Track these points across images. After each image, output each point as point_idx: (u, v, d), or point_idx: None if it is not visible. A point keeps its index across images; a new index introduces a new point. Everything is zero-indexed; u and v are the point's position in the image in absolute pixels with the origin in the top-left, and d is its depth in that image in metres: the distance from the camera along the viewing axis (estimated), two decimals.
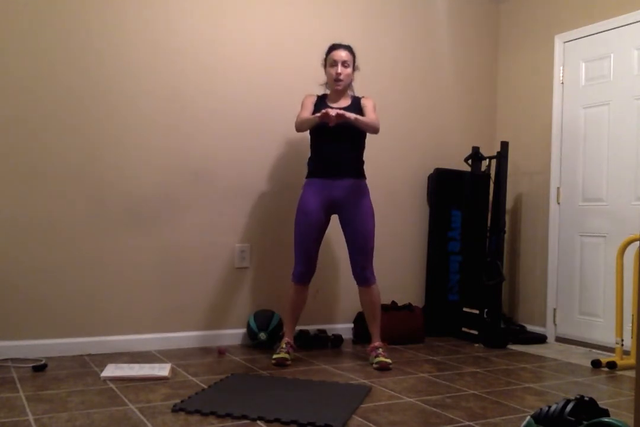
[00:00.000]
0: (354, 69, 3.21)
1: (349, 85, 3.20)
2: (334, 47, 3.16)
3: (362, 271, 3.10)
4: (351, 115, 2.89)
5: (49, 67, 3.05)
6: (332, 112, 2.83)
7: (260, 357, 3.16)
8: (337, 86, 3.12)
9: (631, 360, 3.19)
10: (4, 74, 2.96)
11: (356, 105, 3.15)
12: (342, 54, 3.11)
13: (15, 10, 2.97)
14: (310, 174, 3.16)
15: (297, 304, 3.14)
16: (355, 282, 3.22)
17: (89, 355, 3.08)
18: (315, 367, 2.99)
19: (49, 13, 3.04)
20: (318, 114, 2.88)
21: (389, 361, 2.99)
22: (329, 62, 3.15)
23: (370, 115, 3.08)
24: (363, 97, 3.21)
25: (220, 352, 3.21)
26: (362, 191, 3.10)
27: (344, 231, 3.13)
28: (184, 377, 2.69)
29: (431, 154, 4.19)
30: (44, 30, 3.03)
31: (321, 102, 3.18)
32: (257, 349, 3.35)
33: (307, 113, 3.11)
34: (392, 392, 2.56)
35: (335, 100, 3.18)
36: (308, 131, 3.14)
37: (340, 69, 3.09)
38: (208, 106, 3.43)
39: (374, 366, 2.99)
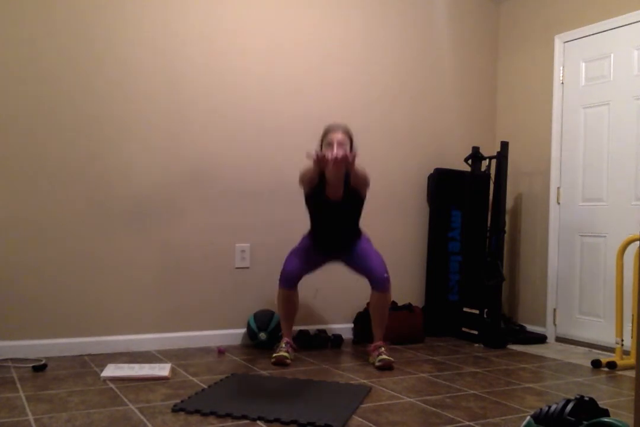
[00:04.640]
0: (351, 151, 3.06)
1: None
2: (330, 129, 3.08)
3: (382, 276, 3.06)
4: (348, 156, 2.74)
5: (49, 68, 3.05)
6: (332, 158, 2.72)
7: (260, 357, 3.16)
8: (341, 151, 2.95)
9: (631, 360, 3.19)
10: (4, 74, 2.96)
11: (353, 190, 3.05)
12: (338, 136, 3.02)
13: (16, 11, 2.97)
14: (311, 237, 3.17)
15: (289, 306, 3.13)
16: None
17: (89, 355, 3.08)
18: (315, 367, 2.99)
19: (49, 14, 3.04)
20: (313, 157, 2.74)
21: (392, 359, 2.99)
22: (325, 143, 3.07)
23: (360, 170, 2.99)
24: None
25: (220, 352, 3.21)
26: (359, 239, 3.15)
27: (352, 268, 3.18)
28: (184, 377, 2.69)
29: (431, 154, 4.19)
30: (44, 32, 3.03)
31: (319, 181, 3.06)
32: (257, 349, 3.35)
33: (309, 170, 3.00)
34: (392, 392, 2.56)
35: (334, 182, 3.05)
36: (304, 202, 3.15)
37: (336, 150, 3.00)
38: (208, 107, 3.43)
39: (377, 363, 2.99)
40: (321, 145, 3.12)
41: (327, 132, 3.09)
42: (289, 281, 3.09)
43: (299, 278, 3.12)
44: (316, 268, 3.23)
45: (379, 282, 3.05)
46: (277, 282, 3.57)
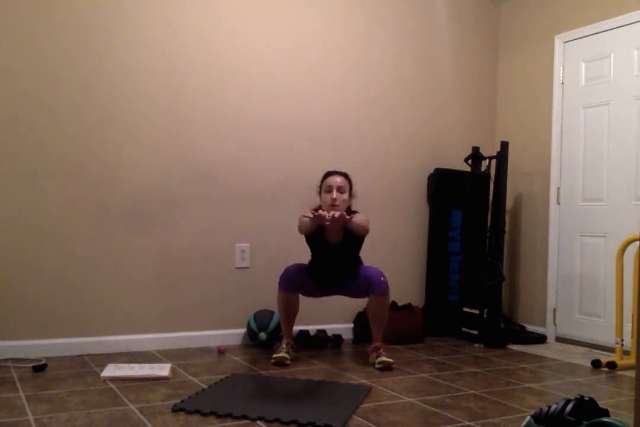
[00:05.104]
0: (351, 196, 3.12)
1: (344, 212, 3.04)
2: (329, 174, 3.12)
3: (379, 280, 3.05)
4: (345, 217, 2.81)
5: (48, 68, 3.05)
6: (331, 216, 2.79)
7: (260, 357, 3.16)
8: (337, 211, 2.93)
9: (631, 360, 3.19)
10: (4, 75, 2.96)
11: (352, 235, 3.06)
12: (337, 180, 3.05)
13: (16, 12, 2.97)
14: (312, 267, 3.18)
15: (289, 308, 3.12)
16: None
17: (89, 355, 3.08)
18: (315, 367, 2.99)
19: (48, 15, 3.04)
20: (310, 216, 2.80)
21: (391, 360, 2.98)
22: (324, 188, 3.08)
23: (359, 216, 3.01)
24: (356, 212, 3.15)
25: (220, 352, 3.21)
26: (357, 278, 3.14)
27: (352, 293, 3.19)
28: (184, 377, 2.69)
29: (431, 154, 4.19)
30: (44, 32, 3.03)
31: (318, 235, 3.09)
32: (257, 349, 3.35)
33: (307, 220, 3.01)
34: (392, 392, 2.56)
35: (332, 231, 3.05)
36: (306, 242, 3.19)
37: (335, 194, 3.02)
38: (208, 107, 3.43)
39: (377, 366, 2.99)
40: (320, 189, 3.13)
41: (326, 176, 3.12)
42: (289, 283, 3.08)
43: (298, 280, 3.11)
44: (314, 295, 3.25)
45: (378, 285, 3.03)
46: (277, 282, 3.57)
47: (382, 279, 3.04)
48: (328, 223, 2.82)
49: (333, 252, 3.12)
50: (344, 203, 3.07)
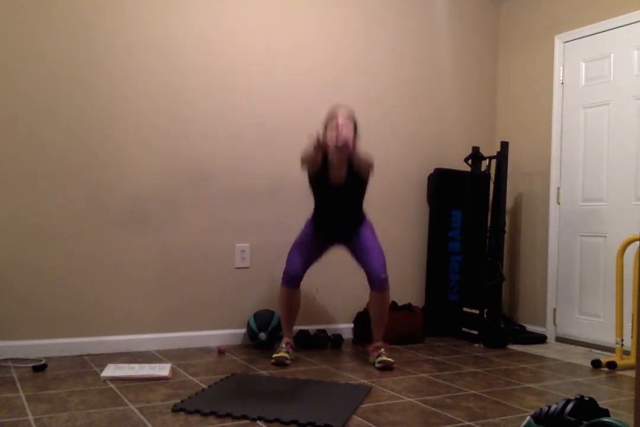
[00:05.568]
0: (355, 135, 3.10)
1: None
2: (334, 113, 3.08)
3: (380, 277, 3.05)
4: (349, 143, 2.77)
5: (48, 68, 3.05)
6: (336, 142, 2.76)
7: (260, 357, 3.16)
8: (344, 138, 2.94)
9: (631, 360, 3.19)
10: (4, 75, 2.96)
11: (356, 173, 3.04)
12: (342, 120, 3.01)
13: (16, 12, 2.97)
14: (314, 221, 3.15)
15: (291, 306, 3.12)
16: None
17: (89, 355, 3.08)
18: (315, 367, 2.99)
19: (48, 15, 3.04)
20: (315, 143, 2.76)
21: (391, 360, 2.98)
22: (329, 127, 3.05)
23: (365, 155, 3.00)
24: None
25: (220, 352, 3.21)
26: (362, 225, 3.12)
27: (353, 256, 3.14)
28: (184, 377, 2.69)
29: (431, 154, 4.19)
30: (44, 33, 3.03)
31: (322, 165, 3.05)
32: (257, 349, 3.35)
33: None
34: (392, 392, 2.56)
35: (337, 166, 3.05)
36: (310, 187, 3.15)
37: (341, 121, 2.99)
38: (208, 107, 3.43)
39: (377, 365, 2.99)
40: (325, 129, 3.11)
41: (331, 116, 3.09)
42: (292, 280, 3.08)
43: (302, 277, 3.11)
44: (319, 256, 3.18)
45: (377, 282, 3.04)
46: (277, 281, 3.58)
47: (383, 275, 3.04)
48: (335, 148, 2.77)
49: (336, 195, 3.06)
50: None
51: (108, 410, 2.19)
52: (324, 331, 3.55)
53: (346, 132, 2.96)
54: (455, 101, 4.31)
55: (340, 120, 2.99)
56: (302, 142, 3.68)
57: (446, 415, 2.27)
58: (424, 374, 2.91)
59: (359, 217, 3.14)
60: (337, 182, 3.04)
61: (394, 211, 4.03)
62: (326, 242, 3.17)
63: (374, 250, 3.08)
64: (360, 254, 3.09)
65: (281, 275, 3.55)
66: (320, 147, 2.77)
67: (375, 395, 2.51)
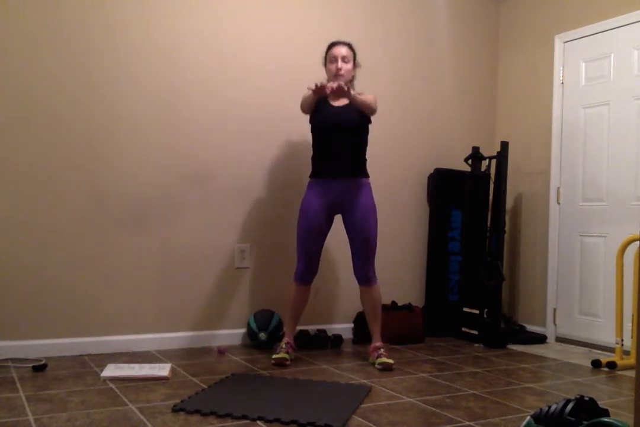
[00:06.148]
0: (355, 65, 3.19)
1: (350, 83, 3.17)
2: (333, 44, 3.16)
3: (364, 270, 3.09)
4: (344, 88, 2.83)
5: (48, 68, 3.05)
6: (330, 87, 2.81)
7: (260, 357, 3.16)
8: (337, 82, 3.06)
9: (631, 360, 3.19)
10: (4, 75, 2.96)
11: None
12: (342, 50, 3.11)
13: (16, 11, 2.97)
14: (313, 174, 3.15)
15: (298, 304, 3.13)
16: (355, 282, 3.22)
17: (89, 355, 3.08)
18: (315, 367, 2.99)
19: (49, 14, 3.04)
20: (312, 87, 2.84)
21: (391, 361, 2.98)
22: (328, 58, 3.15)
23: (367, 96, 3.04)
24: (362, 93, 3.15)
25: (220, 352, 3.21)
26: (363, 190, 3.08)
27: (346, 230, 3.12)
28: (184, 377, 2.69)
29: (431, 154, 4.19)
30: (44, 31, 3.03)
31: (322, 100, 3.12)
32: (257, 349, 3.35)
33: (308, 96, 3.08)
34: (392, 392, 2.56)
35: (336, 98, 3.13)
36: (310, 129, 3.14)
37: (340, 64, 3.09)
38: (208, 106, 3.43)
39: (377, 366, 2.98)
40: (325, 60, 3.18)
41: (330, 47, 3.15)
42: (304, 277, 3.11)
43: (314, 273, 3.12)
44: (324, 234, 3.11)
45: (361, 279, 3.11)
46: (278, 281, 3.58)
47: (366, 273, 3.07)
48: (330, 91, 2.81)
49: (338, 118, 3.05)
50: (348, 73, 3.13)
51: (108, 410, 2.19)
52: (324, 331, 3.55)
53: (344, 72, 3.08)
54: (455, 101, 4.31)
55: (341, 50, 3.10)
56: (303, 142, 3.68)
57: (446, 415, 2.27)
58: (424, 374, 2.91)
59: (360, 166, 3.09)
60: (338, 102, 3.10)
61: (394, 211, 4.03)
62: (328, 206, 3.07)
63: (364, 236, 3.04)
64: (352, 239, 3.08)
65: (285, 275, 3.57)
66: (318, 91, 2.85)
67: (375, 395, 2.51)
